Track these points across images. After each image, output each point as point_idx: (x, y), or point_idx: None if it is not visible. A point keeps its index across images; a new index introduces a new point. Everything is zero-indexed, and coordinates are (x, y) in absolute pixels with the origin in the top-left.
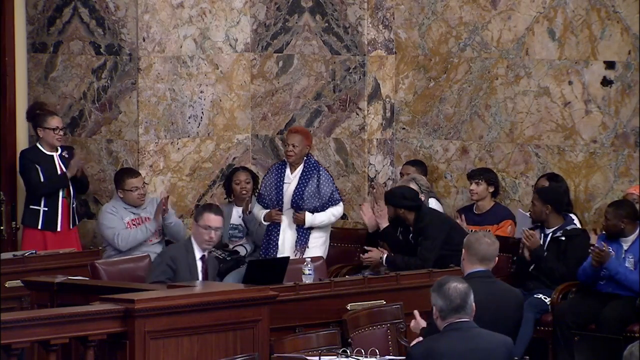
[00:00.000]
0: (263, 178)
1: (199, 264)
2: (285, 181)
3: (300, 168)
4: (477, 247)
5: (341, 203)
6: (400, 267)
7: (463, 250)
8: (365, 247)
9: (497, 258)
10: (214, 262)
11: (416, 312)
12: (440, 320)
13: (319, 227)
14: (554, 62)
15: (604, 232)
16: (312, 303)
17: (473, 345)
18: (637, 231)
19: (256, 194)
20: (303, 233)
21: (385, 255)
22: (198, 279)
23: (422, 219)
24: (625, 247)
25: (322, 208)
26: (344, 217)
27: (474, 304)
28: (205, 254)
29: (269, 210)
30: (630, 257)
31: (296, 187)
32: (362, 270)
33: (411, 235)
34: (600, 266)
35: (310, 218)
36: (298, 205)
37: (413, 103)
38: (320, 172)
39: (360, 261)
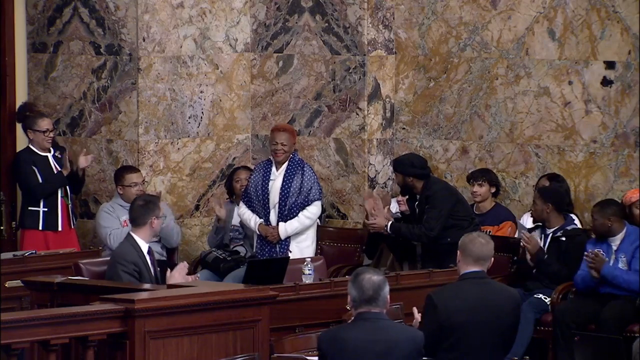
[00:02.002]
0: (249, 177)
1: (148, 258)
2: (270, 178)
3: (285, 165)
4: (472, 248)
5: (318, 202)
6: (405, 235)
7: (458, 251)
8: (372, 212)
9: (492, 258)
10: (152, 252)
11: (414, 309)
12: (353, 310)
13: (299, 233)
14: (554, 62)
15: (592, 237)
16: (312, 303)
17: (377, 337)
18: (625, 229)
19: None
20: (282, 244)
21: (390, 223)
22: (153, 275)
23: (430, 187)
24: (614, 247)
25: (301, 204)
26: (343, 217)
27: (388, 297)
28: (149, 245)
29: (262, 222)
30: (622, 256)
31: (282, 185)
32: None
33: (417, 203)
34: (599, 275)
35: (283, 229)
36: (283, 204)
37: (413, 103)
38: (305, 169)
39: (360, 261)
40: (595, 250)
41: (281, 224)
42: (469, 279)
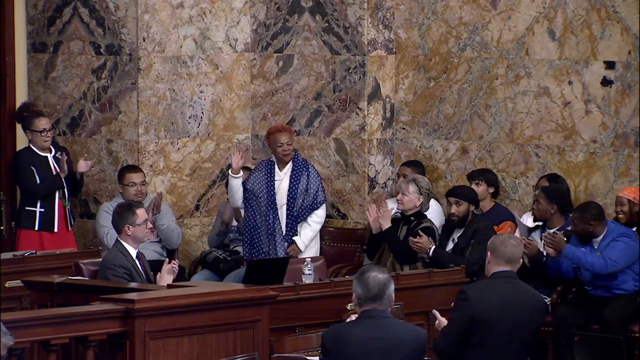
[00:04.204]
0: (250, 177)
1: (138, 263)
2: (275, 179)
3: (289, 165)
4: (504, 249)
5: (324, 205)
6: (445, 264)
7: (488, 252)
8: (420, 233)
9: (521, 261)
10: (144, 256)
11: (435, 312)
12: (358, 308)
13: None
14: (554, 62)
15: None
16: (312, 303)
17: (381, 334)
18: (606, 229)
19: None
20: (291, 245)
21: (433, 247)
22: (145, 279)
23: (478, 222)
24: (596, 247)
25: (309, 207)
26: (344, 217)
27: (393, 295)
28: (138, 250)
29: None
30: (598, 255)
31: (290, 185)
32: None
33: (459, 235)
34: (558, 255)
35: (302, 244)
36: (292, 204)
37: (413, 103)
38: (309, 169)
39: (360, 261)
40: (554, 231)
41: (298, 239)
42: (501, 277)
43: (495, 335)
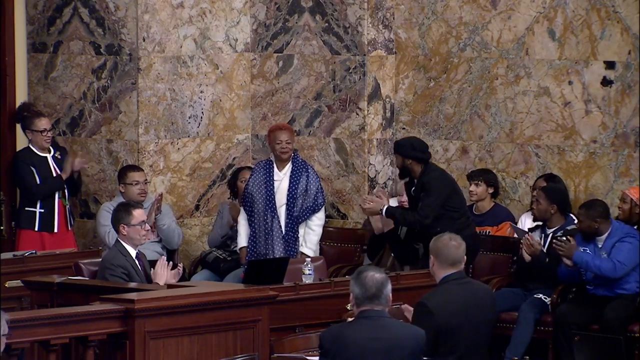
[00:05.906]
0: (249, 178)
1: (138, 263)
2: (275, 179)
3: (289, 166)
4: (446, 252)
5: (323, 208)
6: (399, 221)
7: (431, 256)
8: (367, 196)
9: (465, 258)
10: (144, 256)
11: (406, 306)
12: (356, 308)
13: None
14: (554, 62)
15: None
16: (312, 303)
17: (379, 335)
18: (610, 227)
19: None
20: (292, 247)
21: (385, 207)
22: (143, 279)
23: (429, 172)
24: (600, 245)
25: (309, 208)
26: (344, 217)
27: (390, 295)
28: (138, 250)
29: (245, 246)
30: (603, 253)
31: (289, 186)
32: None
33: (413, 188)
34: (571, 263)
35: (310, 251)
36: (292, 204)
37: (413, 103)
38: (309, 170)
39: (360, 261)
40: (564, 237)
41: (305, 249)
42: (452, 280)
43: (462, 340)
